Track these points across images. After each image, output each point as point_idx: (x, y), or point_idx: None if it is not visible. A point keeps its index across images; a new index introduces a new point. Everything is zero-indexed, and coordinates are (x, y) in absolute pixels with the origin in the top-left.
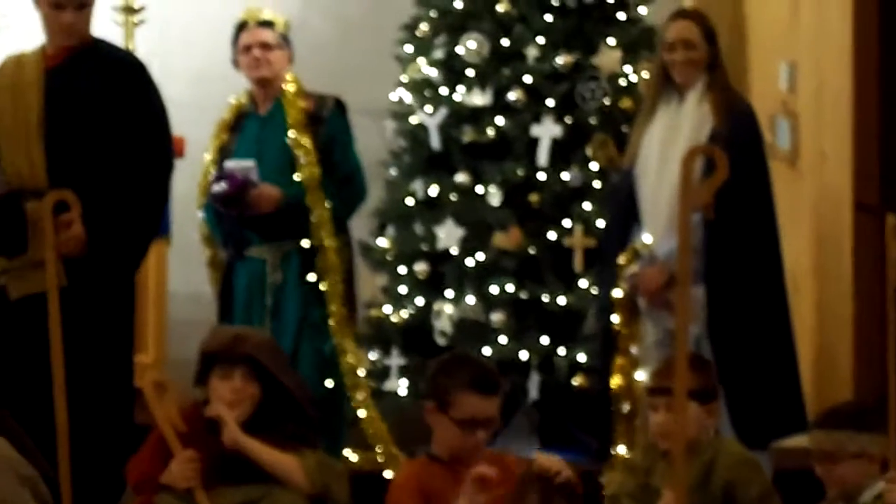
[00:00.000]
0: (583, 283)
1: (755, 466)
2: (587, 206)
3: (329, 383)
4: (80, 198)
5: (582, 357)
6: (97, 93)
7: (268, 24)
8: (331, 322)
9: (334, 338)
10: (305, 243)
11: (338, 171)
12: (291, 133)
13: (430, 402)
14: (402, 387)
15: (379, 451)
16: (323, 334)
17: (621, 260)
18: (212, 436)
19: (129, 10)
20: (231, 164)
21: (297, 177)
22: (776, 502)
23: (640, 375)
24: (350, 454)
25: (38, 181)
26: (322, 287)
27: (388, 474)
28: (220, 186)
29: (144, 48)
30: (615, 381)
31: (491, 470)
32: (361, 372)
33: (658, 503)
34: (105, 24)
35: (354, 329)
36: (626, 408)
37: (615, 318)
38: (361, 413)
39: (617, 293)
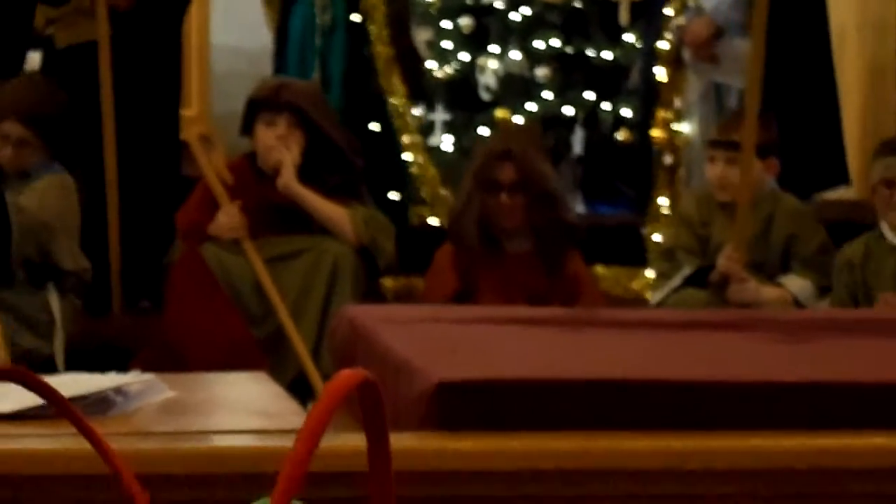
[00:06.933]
0: (628, 37)
1: (813, 220)
2: None
3: (375, 126)
4: None
5: (626, 112)
6: None
7: None
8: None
9: (380, 79)
10: None
11: None
12: None
13: None
14: (446, 142)
15: (425, 195)
16: (368, 72)
17: (668, 11)
18: (260, 186)
19: None
20: None
21: None
22: (833, 255)
23: (684, 127)
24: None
25: None
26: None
27: (433, 221)
28: None
29: None
30: (657, 133)
31: None
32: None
33: (717, 255)
34: None
35: (400, 70)
36: (668, 160)
37: (659, 71)
38: (407, 156)
39: (662, 45)
